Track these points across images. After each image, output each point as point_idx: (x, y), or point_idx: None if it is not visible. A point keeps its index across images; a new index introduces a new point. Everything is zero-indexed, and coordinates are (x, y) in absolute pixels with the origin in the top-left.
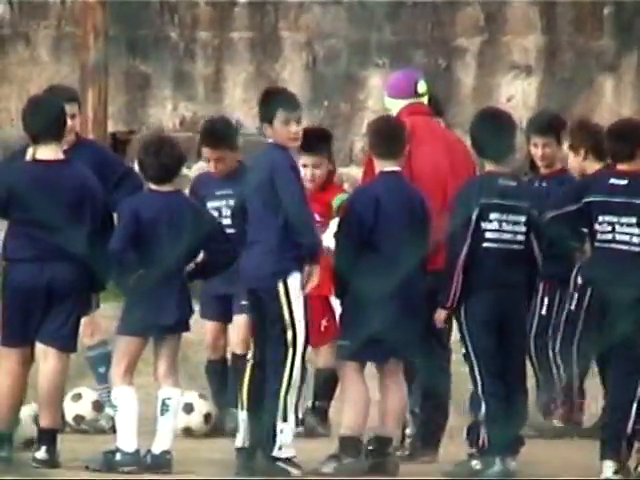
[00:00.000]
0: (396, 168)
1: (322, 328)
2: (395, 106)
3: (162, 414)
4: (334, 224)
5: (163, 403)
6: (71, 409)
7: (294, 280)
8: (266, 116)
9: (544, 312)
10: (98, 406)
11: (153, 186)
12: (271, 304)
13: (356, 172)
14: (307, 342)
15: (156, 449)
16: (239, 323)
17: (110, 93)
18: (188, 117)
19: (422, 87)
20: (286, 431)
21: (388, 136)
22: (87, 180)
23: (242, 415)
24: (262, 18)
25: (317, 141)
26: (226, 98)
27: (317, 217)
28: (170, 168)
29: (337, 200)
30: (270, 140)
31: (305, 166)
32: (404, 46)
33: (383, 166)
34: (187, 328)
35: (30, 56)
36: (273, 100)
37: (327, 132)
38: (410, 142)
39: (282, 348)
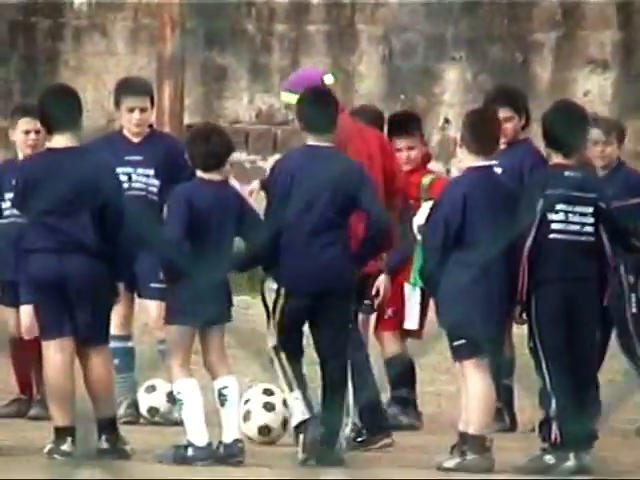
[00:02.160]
0: (487, 163)
1: (386, 316)
2: None
3: (222, 405)
4: (426, 206)
5: (220, 394)
6: (145, 401)
7: None
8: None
9: (634, 310)
10: (172, 398)
11: (202, 174)
12: (344, 302)
13: (433, 166)
14: None
15: (227, 438)
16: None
17: (187, 85)
18: (264, 109)
19: (329, 79)
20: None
21: (481, 130)
22: (100, 167)
23: (295, 394)
24: (339, 11)
25: (408, 123)
26: None
27: (411, 201)
28: (219, 156)
29: (426, 179)
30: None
31: (399, 150)
32: (480, 40)
33: (473, 161)
34: (230, 318)
35: (106, 47)
36: None
37: (416, 114)
38: (345, 140)
39: (348, 340)
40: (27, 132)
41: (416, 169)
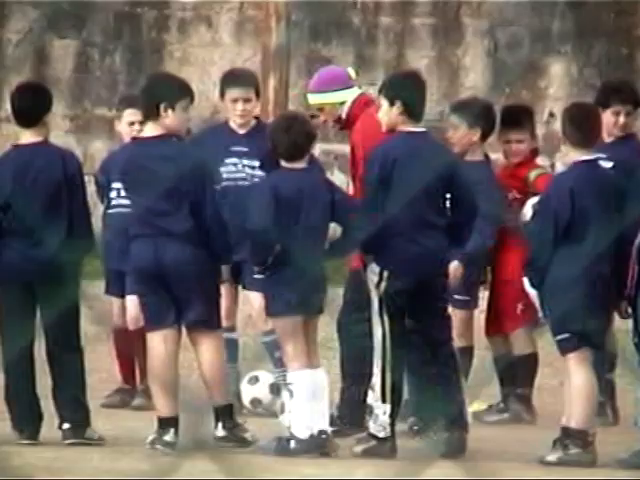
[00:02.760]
0: (592, 156)
1: (518, 311)
2: (344, 97)
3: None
4: (531, 202)
5: (287, 389)
6: (248, 392)
7: None
8: None
9: None
10: (275, 389)
11: (285, 164)
12: (444, 286)
13: (538, 161)
14: None
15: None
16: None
17: (292, 77)
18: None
19: (352, 73)
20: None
21: (583, 123)
22: (187, 156)
23: (385, 408)
24: (444, 4)
25: (520, 116)
26: None
27: (516, 194)
28: (301, 146)
29: (532, 173)
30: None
31: (509, 142)
32: (586, 34)
33: (578, 155)
34: (324, 309)
35: (212, 39)
36: None
37: (530, 108)
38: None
39: (447, 326)
40: (132, 123)
41: (523, 162)
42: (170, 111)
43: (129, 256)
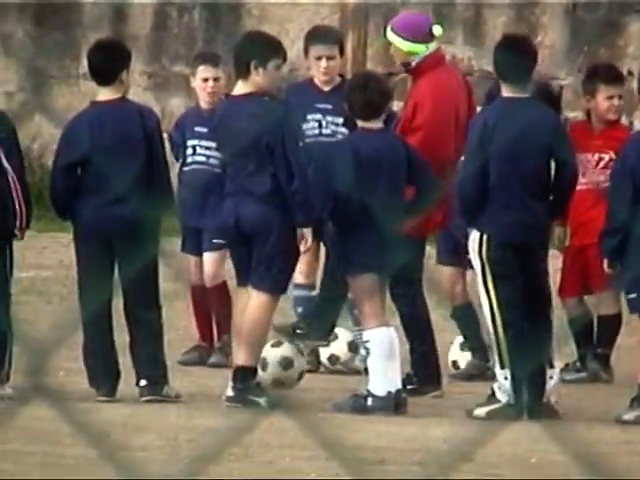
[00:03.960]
0: None
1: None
2: (413, 50)
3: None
4: None
5: (364, 347)
6: (326, 349)
7: None
8: None
9: None
10: (353, 347)
11: (362, 123)
12: (544, 254)
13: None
14: None
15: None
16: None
17: (370, 35)
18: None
19: (438, 31)
20: None
21: None
22: (270, 114)
23: (505, 372)
24: None
25: (620, 73)
26: (486, 41)
27: (612, 154)
28: (377, 104)
29: None
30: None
31: (610, 97)
32: None
33: None
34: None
35: None
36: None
37: None
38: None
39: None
40: (206, 79)
41: (617, 123)
42: (261, 69)
43: (205, 213)
